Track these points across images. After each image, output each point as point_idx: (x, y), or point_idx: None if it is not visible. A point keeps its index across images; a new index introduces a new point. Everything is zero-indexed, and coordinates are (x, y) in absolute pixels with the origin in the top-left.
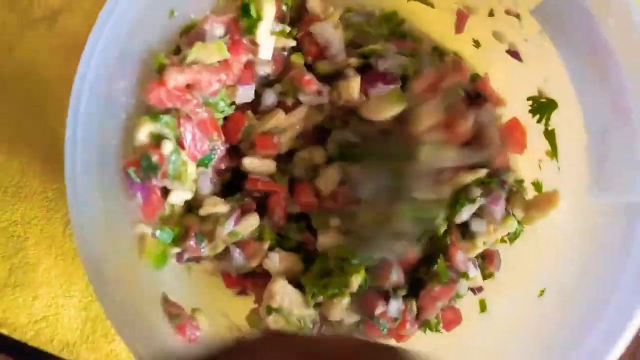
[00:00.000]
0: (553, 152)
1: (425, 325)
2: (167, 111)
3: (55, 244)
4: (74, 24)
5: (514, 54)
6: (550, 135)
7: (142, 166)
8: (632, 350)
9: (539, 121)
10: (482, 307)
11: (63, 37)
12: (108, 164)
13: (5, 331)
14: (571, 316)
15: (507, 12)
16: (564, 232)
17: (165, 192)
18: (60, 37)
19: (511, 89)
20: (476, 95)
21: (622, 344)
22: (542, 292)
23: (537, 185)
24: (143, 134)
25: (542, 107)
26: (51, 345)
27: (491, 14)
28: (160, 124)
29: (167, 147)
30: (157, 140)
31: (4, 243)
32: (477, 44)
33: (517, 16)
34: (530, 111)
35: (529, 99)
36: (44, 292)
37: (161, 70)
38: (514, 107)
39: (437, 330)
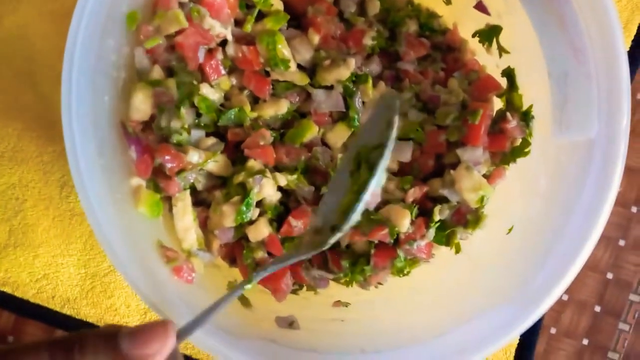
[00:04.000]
0: (512, 90)
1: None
2: None
3: (52, 205)
4: None
5: (482, 8)
6: (508, 73)
7: None
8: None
9: (489, 46)
10: (457, 249)
11: (52, 5)
12: (102, 119)
13: (8, 290)
14: (536, 245)
15: None
16: (530, 173)
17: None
18: (49, 5)
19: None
20: (447, 48)
21: (579, 264)
22: (510, 230)
23: None
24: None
25: (489, 33)
26: (52, 302)
27: None
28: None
29: None
30: None
31: (3, 205)
32: (447, 1)
33: None
34: (479, 41)
35: (475, 33)
36: (43, 251)
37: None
38: (485, 58)
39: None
